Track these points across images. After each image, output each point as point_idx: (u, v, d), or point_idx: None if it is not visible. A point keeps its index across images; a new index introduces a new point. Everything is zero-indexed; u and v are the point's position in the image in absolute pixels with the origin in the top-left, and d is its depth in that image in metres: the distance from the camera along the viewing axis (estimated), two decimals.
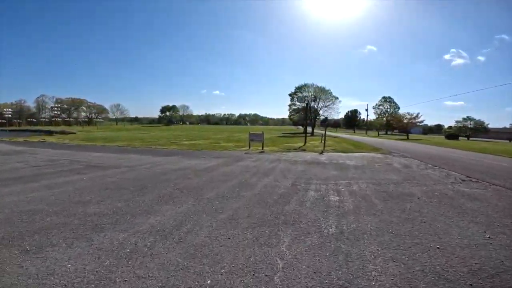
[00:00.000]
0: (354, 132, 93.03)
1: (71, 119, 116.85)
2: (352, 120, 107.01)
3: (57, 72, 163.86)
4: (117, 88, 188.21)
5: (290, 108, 59.55)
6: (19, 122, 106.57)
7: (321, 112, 52.85)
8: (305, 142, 20.15)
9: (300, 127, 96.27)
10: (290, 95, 56.09)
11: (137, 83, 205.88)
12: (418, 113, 48.83)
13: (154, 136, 32.74)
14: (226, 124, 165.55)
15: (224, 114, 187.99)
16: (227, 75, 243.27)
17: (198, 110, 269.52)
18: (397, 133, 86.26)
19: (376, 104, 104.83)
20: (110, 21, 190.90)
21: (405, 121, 49.72)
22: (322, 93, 51.93)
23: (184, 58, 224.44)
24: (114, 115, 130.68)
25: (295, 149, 15.88)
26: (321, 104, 52.48)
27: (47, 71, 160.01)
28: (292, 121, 79.56)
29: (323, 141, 20.90)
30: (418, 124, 50.45)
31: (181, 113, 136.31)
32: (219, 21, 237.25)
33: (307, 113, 53.29)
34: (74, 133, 51.32)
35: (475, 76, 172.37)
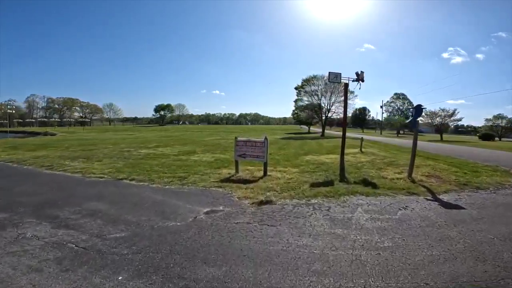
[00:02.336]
0: (363, 131, 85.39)
1: (65, 120, 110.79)
2: (360, 119, 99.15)
3: (49, 72, 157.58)
4: (116, 89, 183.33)
5: (295, 104, 51.86)
6: (11, 122, 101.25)
7: (333, 108, 45.05)
8: (342, 154, 12.13)
9: (304, 126, 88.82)
10: (296, 88, 48.38)
11: (137, 83, 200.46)
12: (455, 110, 40.59)
13: (116, 140, 24.99)
14: (227, 123, 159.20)
15: (225, 114, 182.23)
16: (227, 75, 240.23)
17: (198, 110, 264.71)
18: (409, 133, 78.88)
19: (387, 101, 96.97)
20: (107, 20, 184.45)
21: (438, 119, 41.40)
22: (335, 86, 44.03)
23: (183, 58, 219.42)
24: (107, 115, 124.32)
25: (349, 183, 6.55)
26: (333, 98, 44.64)
27: (37, 71, 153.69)
28: (297, 119, 71.79)
29: (362, 149, 13.15)
30: (455, 122, 42.27)
31: (177, 112, 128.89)
32: (217, 21, 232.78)
33: (318, 111, 45.92)
34: (54, 135, 46.99)
35: (475, 74, 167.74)
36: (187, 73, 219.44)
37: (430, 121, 42.85)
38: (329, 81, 10.97)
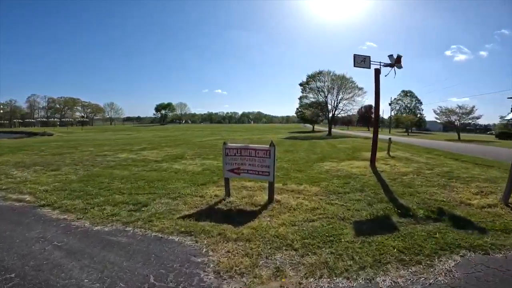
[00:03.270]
0: (368, 130, 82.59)
1: (67, 119, 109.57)
2: (366, 117, 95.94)
3: (50, 72, 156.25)
4: (118, 88, 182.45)
5: (300, 101, 49.06)
6: (12, 123, 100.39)
7: (341, 105, 42.22)
8: (373, 160, 9.13)
9: (308, 125, 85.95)
10: (301, 84, 45.49)
11: (139, 83, 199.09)
12: (473, 107, 37.33)
13: (105, 141, 22.65)
14: (229, 122, 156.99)
15: (227, 113, 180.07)
16: (229, 74, 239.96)
17: (200, 109, 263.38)
18: (416, 131, 75.72)
19: (394, 98, 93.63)
20: (108, 20, 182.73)
21: (454, 117, 38.21)
22: (342, 83, 41.25)
23: (184, 57, 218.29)
24: (108, 114, 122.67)
25: (417, 218, 3.75)
26: (341, 95, 41.81)
27: (38, 71, 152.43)
28: (301, 117, 69.00)
29: (390, 152, 10.57)
30: (473, 121, 39.02)
31: (178, 111, 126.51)
32: (218, 21, 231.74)
33: (324, 108, 43.14)
34: (51, 135, 46.75)
35: (478, 72, 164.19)
36: (189, 73, 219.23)
37: (446, 118, 39.69)
38: (354, 66, 8.41)
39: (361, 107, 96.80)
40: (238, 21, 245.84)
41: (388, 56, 8.74)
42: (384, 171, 7.49)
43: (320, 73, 43.20)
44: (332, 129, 43.68)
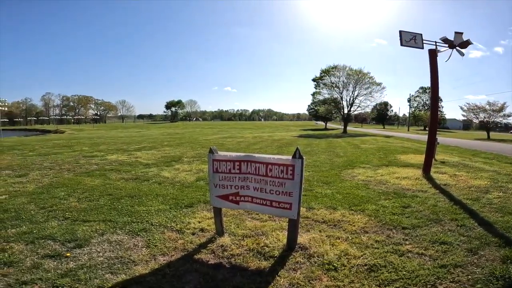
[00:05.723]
0: (384, 128, 79.23)
1: (80, 117, 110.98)
2: (382, 114, 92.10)
3: (64, 70, 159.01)
4: (130, 86, 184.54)
5: (313, 97, 46.66)
6: (27, 121, 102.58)
7: (357, 102, 39.51)
8: (427, 168, 6.59)
9: (320, 122, 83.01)
10: (314, 80, 42.95)
11: (151, 81, 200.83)
12: (504, 104, 33.72)
13: (105, 140, 21.27)
14: (240, 120, 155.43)
15: (237, 110, 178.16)
16: (238, 72, 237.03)
17: (211, 106, 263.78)
18: (440, 130, 71.63)
19: (412, 95, 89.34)
20: (119, 20, 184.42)
21: (483, 114, 34.72)
22: (359, 78, 38.55)
23: (193, 55, 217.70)
24: (120, 112, 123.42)
25: None
26: (357, 91, 39.12)
27: (50, 69, 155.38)
28: (314, 114, 66.61)
29: (436, 156, 8.44)
30: (504, 119, 35.45)
31: (188, 109, 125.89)
32: (225, 19, 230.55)
33: (339, 104, 40.59)
34: (63, 133, 46.96)
35: (494, 68, 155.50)
36: (198, 70, 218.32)
37: (474, 116, 36.33)
38: (401, 45, 6.40)
39: (376, 104, 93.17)
40: (247, 18, 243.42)
41: (456, 33, 6.60)
42: (448, 185, 5.38)
43: (335, 67, 40.60)
44: (347, 127, 41.14)
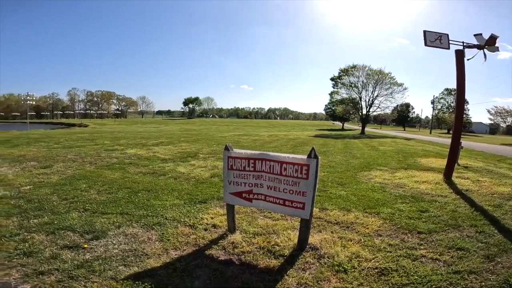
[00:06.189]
0: (404, 130, 76.50)
1: (103, 112, 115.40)
2: (403, 116, 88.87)
3: (89, 66, 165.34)
4: (150, 83, 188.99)
5: (331, 97, 45.87)
6: (53, 114, 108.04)
7: (376, 102, 38.40)
8: (449, 173, 6.14)
9: (337, 122, 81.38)
10: (332, 79, 42.16)
11: (169, 78, 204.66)
12: None
13: (125, 134, 21.94)
14: (255, 118, 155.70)
15: (253, 108, 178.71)
16: (255, 70, 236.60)
17: (227, 104, 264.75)
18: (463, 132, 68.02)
19: (436, 97, 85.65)
20: (141, 17, 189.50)
21: (510, 119, 32.74)
22: (379, 78, 37.42)
23: (210, 53, 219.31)
24: (140, 108, 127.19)
25: None
26: (377, 91, 38.02)
27: (77, 65, 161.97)
28: (331, 115, 65.48)
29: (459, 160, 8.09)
30: None
31: (205, 106, 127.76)
32: (245, 17, 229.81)
33: (357, 105, 39.61)
34: (86, 126, 48.86)
35: None
36: (215, 68, 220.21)
37: (501, 119, 34.45)
38: (425, 45, 6.19)
39: (397, 105, 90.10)
40: (265, 16, 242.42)
41: (475, 35, 6.30)
42: (469, 190, 5.14)
43: (354, 67, 39.63)
44: (365, 128, 40.10)
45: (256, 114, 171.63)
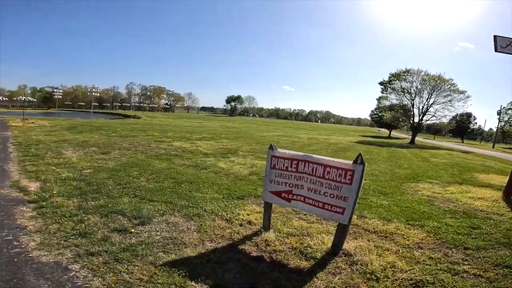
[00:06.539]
0: (463, 142, 68.79)
1: (154, 105, 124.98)
2: (462, 127, 79.78)
3: (145, 63, 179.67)
4: (196, 80, 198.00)
5: (379, 102, 43.26)
6: (113, 106, 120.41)
7: (432, 110, 35.17)
8: (509, 190, 5.73)
9: (384, 129, 76.25)
10: (381, 84, 39.74)
11: (214, 75, 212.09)
12: None
13: (172, 127, 23.33)
14: (295, 119, 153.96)
15: (294, 110, 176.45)
16: (297, 70, 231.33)
17: (267, 103, 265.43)
18: None
19: (504, 107, 75.48)
20: (192, 18, 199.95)
21: None
22: (437, 84, 34.13)
23: (254, 52, 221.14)
24: (187, 103, 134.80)
25: None
26: (433, 98, 34.79)
27: (135, 61, 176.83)
28: (378, 121, 61.93)
29: None
30: None
31: (246, 104, 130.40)
32: (288, 15, 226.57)
33: (409, 112, 36.72)
34: (139, 118, 53.25)
35: None
36: (256, 67, 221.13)
37: None
38: (496, 51, 5.61)
39: (457, 115, 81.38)
40: (310, 16, 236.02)
41: None
42: None
43: (407, 71, 36.75)
44: (415, 137, 37.02)
45: (296, 116, 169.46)
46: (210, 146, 10.85)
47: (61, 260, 2.39)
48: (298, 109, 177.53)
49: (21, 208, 3.43)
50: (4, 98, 62.36)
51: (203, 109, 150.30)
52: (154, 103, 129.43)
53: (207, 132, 18.56)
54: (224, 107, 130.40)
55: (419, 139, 45.18)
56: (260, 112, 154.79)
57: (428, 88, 35.19)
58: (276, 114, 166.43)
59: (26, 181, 4.61)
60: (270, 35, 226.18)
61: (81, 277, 2.19)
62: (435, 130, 78.17)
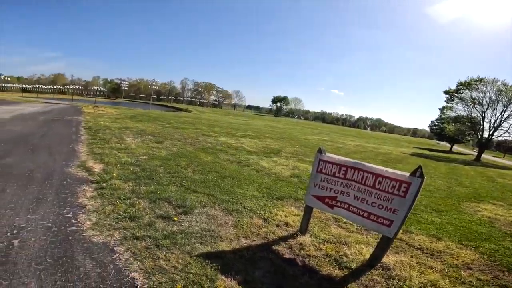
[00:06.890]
0: None
1: (203, 101, 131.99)
2: None
3: (198, 61, 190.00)
4: (244, 78, 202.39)
5: (442, 112, 39.05)
6: (168, 99, 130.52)
7: (505, 125, 30.56)
8: None
9: (444, 143, 68.54)
10: (447, 92, 35.77)
11: (260, 75, 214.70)
12: None
13: (219, 123, 24.22)
14: (343, 125, 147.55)
15: (342, 115, 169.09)
16: (348, 74, 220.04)
17: (313, 106, 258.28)
18: None
19: None
20: (243, 19, 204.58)
21: None
22: None
23: (304, 53, 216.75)
24: (234, 101, 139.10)
25: None
26: (508, 112, 30.20)
27: (188, 60, 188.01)
28: (438, 133, 56.20)
29: None
30: None
31: (292, 106, 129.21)
32: (345, 18, 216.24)
33: (477, 125, 32.44)
34: (190, 112, 56.96)
35: None
36: (306, 69, 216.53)
37: None
38: None
39: None
40: (365, 19, 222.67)
41: None
42: None
43: (479, 80, 32.40)
44: (481, 154, 32.56)
45: (343, 121, 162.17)
46: (254, 144, 11.07)
47: (109, 242, 2.61)
48: (346, 115, 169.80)
49: (84, 187, 3.94)
50: (80, 87, 72.09)
51: (249, 107, 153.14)
52: (204, 98, 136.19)
53: (252, 130, 18.92)
54: (270, 107, 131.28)
55: (486, 156, 39.63)
56: (306, 115, 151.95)
57: (504, 99, 30.67)
58: (322, 118, 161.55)
59: (92, 162, 5.29)
60: (322, 36, 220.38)
61: (123, 259, 2.37)
62: (506, 148, 67.65)
